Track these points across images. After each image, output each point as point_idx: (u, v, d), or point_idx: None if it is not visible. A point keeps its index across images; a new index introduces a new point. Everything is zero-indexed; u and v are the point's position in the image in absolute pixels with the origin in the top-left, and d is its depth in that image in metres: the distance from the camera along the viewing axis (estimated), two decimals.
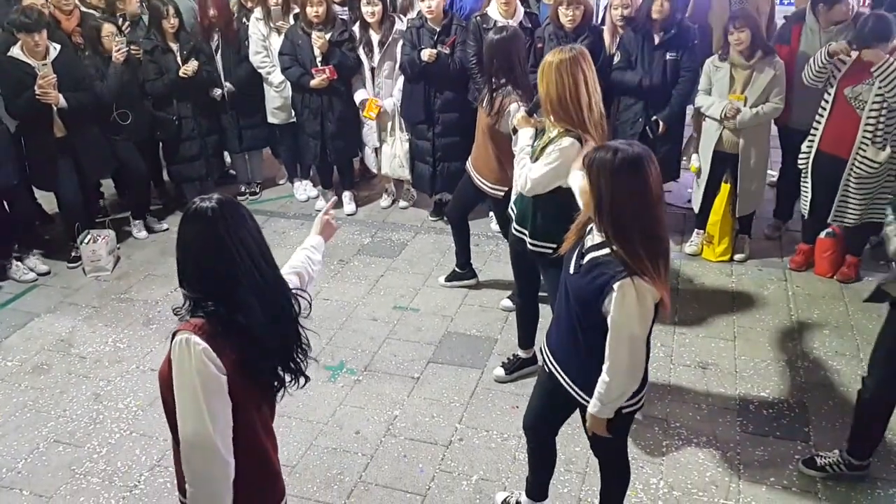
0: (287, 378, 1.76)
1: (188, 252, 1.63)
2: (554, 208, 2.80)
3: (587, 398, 2.19)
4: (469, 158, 3.95)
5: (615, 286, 1.94)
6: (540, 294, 3.43)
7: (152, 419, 3.32)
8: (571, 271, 2.11)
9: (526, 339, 3.48)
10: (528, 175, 2.79)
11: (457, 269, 4.29)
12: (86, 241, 4.58)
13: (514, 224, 3.13)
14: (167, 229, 5.15)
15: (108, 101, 4.56)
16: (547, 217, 2.90)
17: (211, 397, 1.56)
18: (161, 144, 5.16)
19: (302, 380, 1.79)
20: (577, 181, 2.29)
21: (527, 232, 3.03)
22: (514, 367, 3.51)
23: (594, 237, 2.06)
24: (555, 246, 2.62)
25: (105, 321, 4.11)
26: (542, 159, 2.74)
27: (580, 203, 2.08)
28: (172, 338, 1.60)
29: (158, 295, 4.34)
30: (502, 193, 3.71)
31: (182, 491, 1.78)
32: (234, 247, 1.59)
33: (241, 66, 5.09)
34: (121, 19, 4.84)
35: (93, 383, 3.59)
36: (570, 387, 2.26)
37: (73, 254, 4.69)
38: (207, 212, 1.59)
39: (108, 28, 4.60)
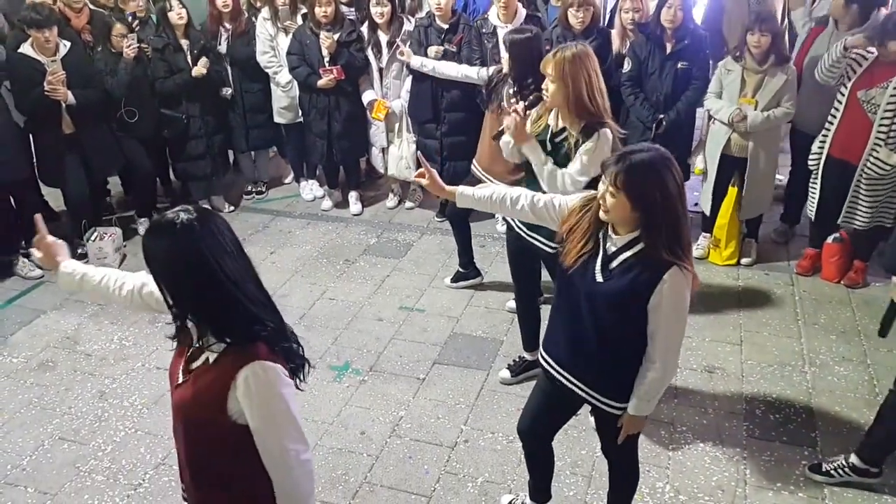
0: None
1: (203, 270, 1.55)
2: None
3: (613, 402, 2.20)
4: (475, 159, 3.94)
5: (666, 276, 1.96)
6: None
7: (157, 417, 3.32)
8: (600, 279, 2.06)
9: (530, 341, 3.47)
10: (568, 174, 2.76)
11: (460, 268, 4.29)
12: (92, 238, 4.60)
13: (522, 230, 3.08)
14: None
15: (117, 96, 4.58)
16: None
17: (298, 414, 1.63)
18: (167, 142, 5.17)
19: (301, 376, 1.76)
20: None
21: (541, 237, 2.96)
22: (520, 370, 3.50)
23: (616, 239, 2.05)
24: None
25: (111, 319, 4.12)
26: (582, 155, 2.72)
27: (609, 216, 2.01)
28: (234, 369, 1.57)
29: None
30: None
31: (186, 492, 1.80)
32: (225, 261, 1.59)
33: (250, 66, 5.08)
34: (130, 17, 4.84)
35: (98, 381, 3.60)
36: (588, 393, 2.24)
37: (79, 251, 4.69)
38: (195, 224, 1.56)
39: (119, 28, 4.62)
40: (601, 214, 2.03)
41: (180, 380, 1.70)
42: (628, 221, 1.99)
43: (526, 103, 2.92)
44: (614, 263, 2.03)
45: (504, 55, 3.48)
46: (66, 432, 3.26)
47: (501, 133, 2.99)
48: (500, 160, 3.66)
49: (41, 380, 3.62)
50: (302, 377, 1.71)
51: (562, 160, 2.81)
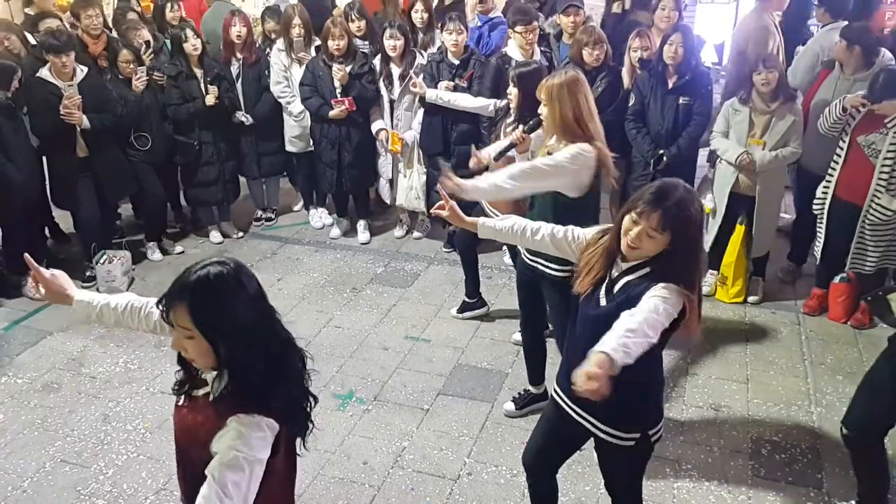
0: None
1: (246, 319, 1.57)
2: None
3: (613, 431, 2.20)
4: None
5: (659, 285, 1.98)
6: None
7: (160, 442, 3.31)
8: (604, 303, 2.09)
9: (535, 375, 3.46)
10: (509, 171, 2.80)
11: (466, 298, 4.28)
12: (101, 261, 4.62)
13: (525, 256, 3.11)
14: (182, 252, 5.19)
15: (126, 125, 4.65)
16: None
17: (253, 474, 1.55)
18: (179, 168, 5.23)
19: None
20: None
21: (544, 260, 2.98)
22: (525, 403, 3.49)
23: (622, 264, 2.09)
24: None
25: (116, 342, 4.12)
26: (556, 154, 2.79)
27: (638, 253, 2.03)
28: (229, 414, 1.57)
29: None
30: None
31: None
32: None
33: (261, 96, 5.17)
34: (144, 46, 4.94)
35: (102, 404, 3.59)
36: (591, 423, 2.24)
37: (87, 273, 4.73)
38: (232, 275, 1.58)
39: (125, 55, 4.71)
40: (626, 250, 2.04)
41: (181, 401, 1.72)
42: (653, 251, 2.03)
43: (525, 127, 3.09)
44: (617, 287, 2.07)
45: (512, 89, 3.55)
46: (69, 455, 3.25)
47: (504, 152, 3.16)
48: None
49: (45, 401, 3.61)
50: (303, 440, 1.75)
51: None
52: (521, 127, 3.12)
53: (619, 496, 2.43)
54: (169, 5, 5.59)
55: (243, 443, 1.52)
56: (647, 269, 2.04)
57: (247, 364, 1.56)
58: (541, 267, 3.01)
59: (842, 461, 3.16)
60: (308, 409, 1.72)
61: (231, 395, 1.58)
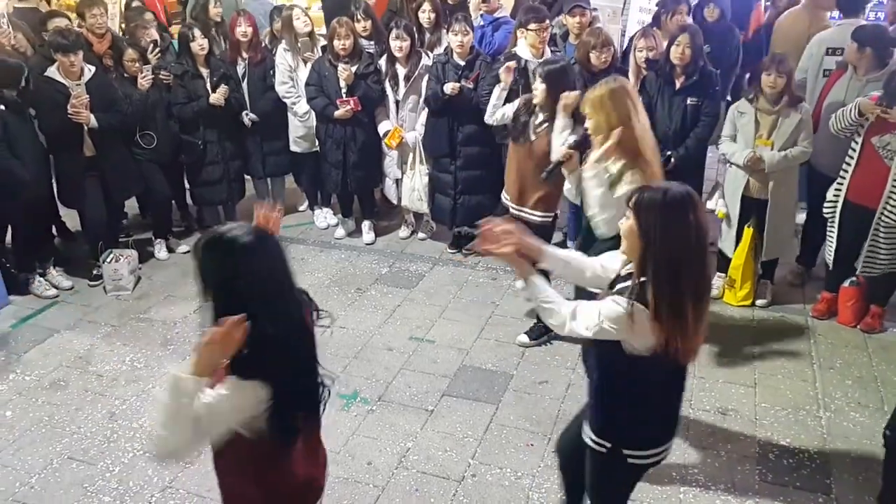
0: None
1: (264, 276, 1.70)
2: None
3: (591, 435, 2.21)
4: (504, 191, 4.00)
5: (616, 298, 1.95)
6: None
7: None
8: None
9: None
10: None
11: (539, 322, 4.00)
12: (108, 259, 4.63)
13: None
14: (188, 251, 5.20)
15: (131, 124, 4.66)
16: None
17: (237, 406, 1.65)
18: (185, 167, 5.24)
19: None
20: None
21: None
22: (539, 334, 3.84)
23: (622, 270, 2.09)
24: None
25: (123, 340, 4.14)
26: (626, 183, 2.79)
27: (624, 245, 2.02)
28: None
29: (177, 316, 4.37)
30: (551, 218, 3.87)
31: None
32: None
33: (266, 95, 5.17)
34: (151, 45, 4.96)
35: (108, 401, 3.60)
36: (586, 426, 2.26)
37: (94, 272, 4.74)
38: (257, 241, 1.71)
39: (130, 53, 4.72)
40: (626, 250, 2.04)
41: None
42: (635, 252, 1.97)
43: (572, 143, 3.09)
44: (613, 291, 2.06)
45: (540, 86, 3.59)
46: (75, 452, 3.26)
47: (553, 170, 3.17)
48: (530, 190, 3.79)
49: (52, 398, 3.63)
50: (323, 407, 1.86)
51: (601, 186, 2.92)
52: (565, 145, 3.11)
53: (590, 500, 2.42)
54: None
55: (224, 389, 1.62)
56: (628, 283, 2.00)
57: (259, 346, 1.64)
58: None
59: (850, 467, 3.14)
60: (320, 383, 1.83)
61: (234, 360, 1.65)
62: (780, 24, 5.42)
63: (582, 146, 3.07)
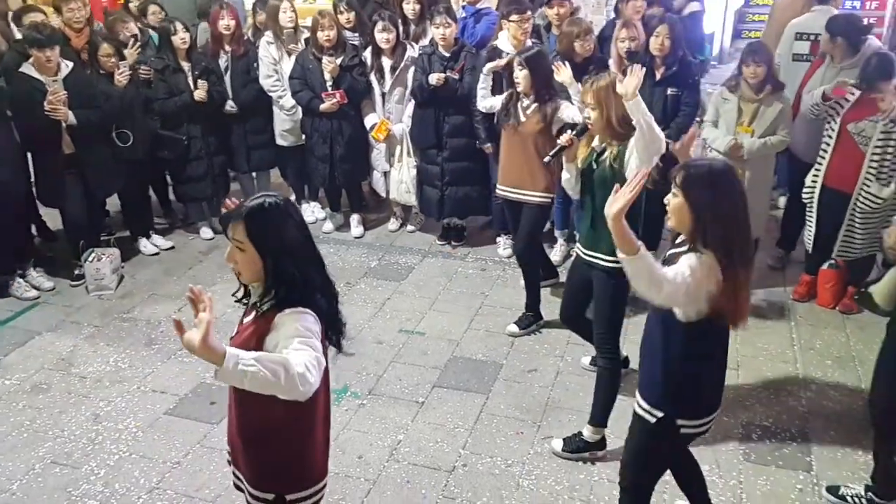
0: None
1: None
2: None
3: (640, 400, 2.31)
4: (499, 182, 4.06)
5: (689, 254, 2.06)
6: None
7: (152, 440, 3.30)
8: None
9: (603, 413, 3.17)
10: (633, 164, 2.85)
11: (528, 312, 4.12)
12: (90, 258, 4.57)
13: (581, 250, 3.14)
14: (172, 247, 5.16)
15: (108, 121, 4.59)
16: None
17: (319, 349, 1.78)
18: (168, 164, 5.19)
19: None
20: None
21: (601, 252, 3.01)
22: (528, 324, 4.00)
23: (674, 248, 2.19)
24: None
25: (107, 340, 4.10)
26: (633, 151, 2.86)
27: (672, 221, 2.15)
28: (274, 314, 1.83)
29: (161, 315, 4.33)
30: (550, 199, 3.95)
31: (232, 454, 2.06)
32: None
33: (249, 88, 5.12)
34: (132, 40, 4.88)
35: (92, 403, 3.56)
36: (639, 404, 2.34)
37: (76, 272, 4.68)
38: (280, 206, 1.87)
39: (105, 48, 4.63)
40: (667, 222, 2.15)
41: (232, 332, 1.98)
42: (686, 228, 2.09)
43: (575, 132, 3.14)
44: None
45: (522, 73, 3.72)
46: (59, 456, 3.22)
47: (555, 154, 3.23)
48: (527, 174, 3.87)
49: (34, 402, 3.58)
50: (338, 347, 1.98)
51: (604, 172, 2.97)
52: (569, 131, 3.17)
53: (623, 466, 2.48)
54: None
55: (301, 327, 1.76)
56: (685, 248, 2.11)
57: (288, 274, 1.81)
58: (596, 260, 3.05)
59: (830, 444, 3.22)
60: (341, 318, 1.97)
61: (274, 305, 1.82)
62: (776, 7, 5.42)
63: (583, 134, 3.12)
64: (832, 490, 2.91)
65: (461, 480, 3.05)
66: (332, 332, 1.94)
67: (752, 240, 2.19)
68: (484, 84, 4.29)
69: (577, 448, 3.14)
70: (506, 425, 3.37)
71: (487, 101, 4.28)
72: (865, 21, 4.37)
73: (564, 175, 3.22)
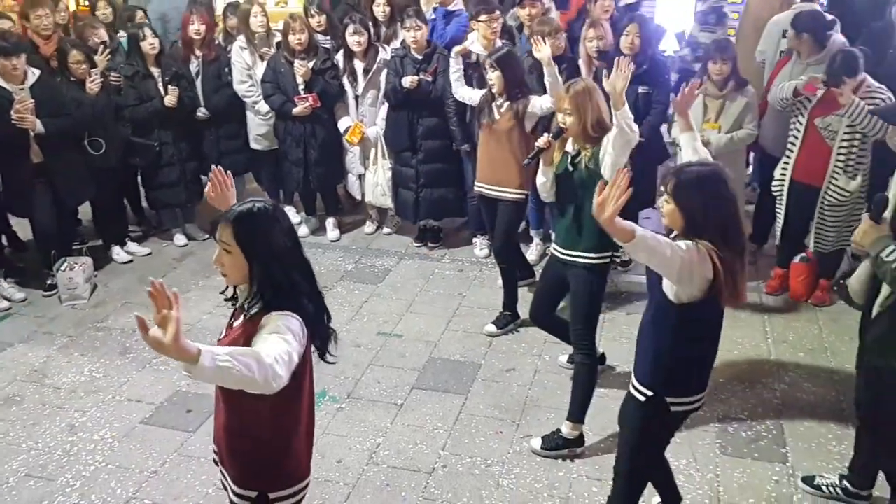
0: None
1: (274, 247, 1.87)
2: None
3: (635, 383, 2.37)
4: (477, 180, 4.09)
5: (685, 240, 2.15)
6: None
7: (129, 450, 3.26)
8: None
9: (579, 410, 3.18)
10: (607, 168, 2.91)
11: (505, 311, 4.14)
12: (62, 268, 4.51)
13: (557, 250, 3.18)
14: (149, 254, 5.10)
15: (80, 129, 4.53)
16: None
17: (295, 353, 1.78)
18: (140, 170, 5.13)
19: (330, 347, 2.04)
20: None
21: (581, 251, 3.06)
22: (505, 323, 4.01)
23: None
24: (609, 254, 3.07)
25: (81, 350, 4.04)
26: (607, 149, 2.91)
27: (666, 222, 2.24)
28: (261, 317, 1.85)
29: (135, 323, 4.26)
30: (524, 195, 4.00)
31: (218, 454, 2.06)
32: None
33: (221, 93, 5.09)
34: (101, 47, 4.83)
35: (67, 414, 3.51)
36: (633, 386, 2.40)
37: (48, 282, 4.61)
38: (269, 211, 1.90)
39: (75, 55, 4.57)
40: (663, 222, 2.24)
41: (222, 334, 2.00)
42: (680, 228, 2.19)
43: (551, 134, 3.17)
44: None
45: (494, 74, 3.79)
46: (33, 468, 3.16)
47: (534, 156, 3.25)
48: (503, 171, 3.92)
49: (6, 415, 3.51)
50: (329, 352, 2.01)
51: (582, 174, 3.04)
52: (546, 135, 3.21)
53: (618, 453, 2.53)
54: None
55: (282, 325, 1.78)
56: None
57: (274, 279, 1.84)
58: (574, 259, 3.10)
59: (805, 436, 3.26)
60: (327, 323, 2.00)
61: (262, 308, 1.84)
62: (750, 4, 5.45)
63: (559, 137, 3.15)
64: (807, 480, 2.96)
65: (441, 482, 3.05)
66: (319, 338, 1.97)
67: (745, 233, 2.27)
68: (455, 69, 4.36)
69: (556, 445, 3.16)
70: (485, 425, 3.38)
71: (464, 91, 4.35)
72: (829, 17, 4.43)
73: (540, 178, 3.25)
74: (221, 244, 1.87)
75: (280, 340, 1.74)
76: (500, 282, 4.46)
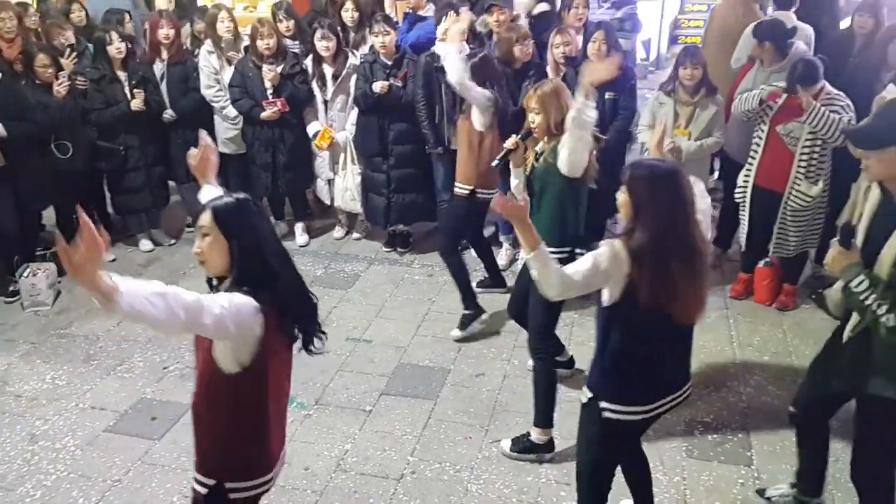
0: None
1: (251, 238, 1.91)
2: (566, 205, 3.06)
3: (585, 389, 2.38)
4: (458, 181, 4.07)
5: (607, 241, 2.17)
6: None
7: (91, 459, 3.20)
8: None
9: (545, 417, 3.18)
10: (562, 160, 2.97)
11: (465, 312, 4.12)
12: (25, 274, 4.43)
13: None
14: (114, 260, 5.02)
15: (46, 133, 4.45)
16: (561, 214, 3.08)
17: (236, 316, 1.81)
18: (105, 175, 5.05)
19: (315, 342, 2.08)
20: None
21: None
22: (468, 322, 4.01)
23: None
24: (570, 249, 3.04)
25: (43, 358, 3.97)
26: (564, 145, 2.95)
27: (621, 214, 2.25)
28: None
29: (100, 330, 4.21)
30: (468, 191, 4.03)
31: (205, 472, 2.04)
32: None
33: (188, 97, 5.04)
34: (68, 49, 4.76)
35: (28, 423, 3.44)
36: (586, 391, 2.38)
37: (10, 288, 4.52)
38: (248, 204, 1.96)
39: (41, 59, 4.50)
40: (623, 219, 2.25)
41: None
42: (629, 220, 2.18)
43: (519, 135, 3.22)
44: None
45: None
46: None
47: (503, 158, 3.32)
48: (467, 169, 3.97)
49: None
50: (312, 345, 2.05)
51: (540, 168, 3.10)
52: (514, 136, 3.25)
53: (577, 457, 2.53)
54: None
55: (226, 298, 1.80)
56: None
57: (254, 262, 1.87)
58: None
59: (769, 438, 3.31)
60: (312, 314, 2.05)
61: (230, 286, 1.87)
62: (715, 11, 5.55)
63: (528, 138, 3.20)
64: (761, 492, 2.98)
65: (410, 488, 3.04)
66: (302, 330, 2.02)
67: (702, 240, 2.21)
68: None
69: (525, 448, 3.17)
70: (454, 430, 3.37)
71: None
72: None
73: (513, 181, 3.29)
74: (201, 230, 1.89)
75: (219, 298, 1.79)
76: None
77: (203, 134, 2.48)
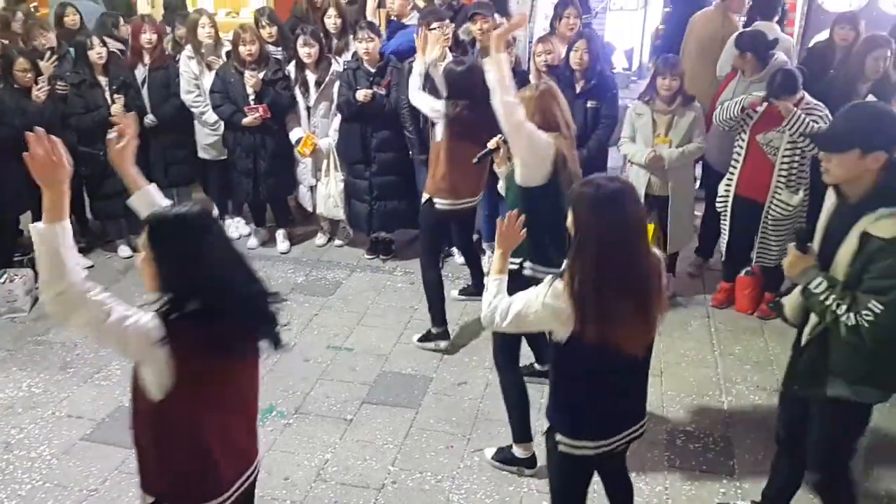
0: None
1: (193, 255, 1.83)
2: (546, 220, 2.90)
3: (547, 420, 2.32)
4: (437, 198, 3.94)
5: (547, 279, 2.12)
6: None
7: (68, 468, 3.15)
8: None
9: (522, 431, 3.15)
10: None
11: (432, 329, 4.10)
12: (1, 280, 4.37)
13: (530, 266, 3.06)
14: (92, 266, 4.95)
15: (23, 137, 4.38)
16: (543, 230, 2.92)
17: (127, 329, 1.76)
18: (84, 180, 4.99)
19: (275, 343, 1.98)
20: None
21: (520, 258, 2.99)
22: (427, 338, 3.97)
23: None
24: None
25: (19, 365, 3.91)
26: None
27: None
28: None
29: (77, 337, 4.14)
30: (427, 199, 3.97)
31: (144, 487, 1.99)
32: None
33: (169, 102, 5.00)
34: (49, 53, 4.70)
35: (3, 431, 3.39)
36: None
37: None
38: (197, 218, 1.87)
39: (21, 63, 4.45)
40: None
41: None
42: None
43: (501, 136, 3.16)
44: None
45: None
46: None
47: (483, 156, 3.31)
48: (472, 175, 3.83)
49: None
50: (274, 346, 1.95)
51: (508, 174, 3.09)
52: (497, 137, 3.20)
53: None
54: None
55: (134, 319, 1.76)
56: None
57: (177, 285, 1.81)
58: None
59: (751, 448, 3.32)
60: (268, 321, 1.93)
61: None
62: (693, 22, 5.58)
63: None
64: None
65: (391, 498, 3.02)
66: (265, 337, 1.94)
67: (638, 270, 2.04)
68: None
69: (507, 459, 3.15)
70: (436, 439, 3.35)
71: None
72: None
73: (501, 183, 3.31)
74: (141, 248, 1.88)
75: (135, 317, 1.76)
76: (453, 293, 4.47)
77: (129, 115, 2.36)
